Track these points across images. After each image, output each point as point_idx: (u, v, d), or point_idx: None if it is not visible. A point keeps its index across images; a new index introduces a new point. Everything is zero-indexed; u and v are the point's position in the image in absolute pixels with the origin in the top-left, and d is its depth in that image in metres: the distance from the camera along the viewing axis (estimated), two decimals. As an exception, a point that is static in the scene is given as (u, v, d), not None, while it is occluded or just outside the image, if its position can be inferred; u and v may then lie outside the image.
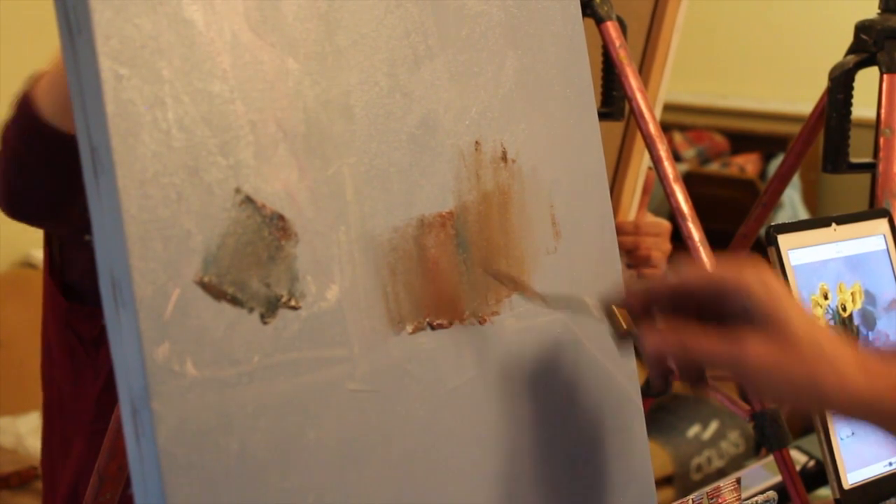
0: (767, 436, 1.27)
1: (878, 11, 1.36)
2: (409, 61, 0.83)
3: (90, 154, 0.70)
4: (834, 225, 1.19)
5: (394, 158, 0.82)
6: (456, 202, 0.85)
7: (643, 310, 0.82)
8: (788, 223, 1.16)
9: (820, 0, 3.72)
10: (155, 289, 0.70)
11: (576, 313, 0.87)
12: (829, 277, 1.17)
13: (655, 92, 1.67)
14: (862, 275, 1.20)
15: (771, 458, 1.34)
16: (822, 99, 1.41)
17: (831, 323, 1.17)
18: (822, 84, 1.38)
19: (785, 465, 1.26)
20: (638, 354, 0.87)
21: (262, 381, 0.74)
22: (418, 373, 0.81)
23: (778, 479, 1.45)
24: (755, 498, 1.02)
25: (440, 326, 0.83)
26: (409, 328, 0.81)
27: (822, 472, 1.49)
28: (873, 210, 1.27)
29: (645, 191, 1.71)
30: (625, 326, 0.82)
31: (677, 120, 3.76)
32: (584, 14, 1.31)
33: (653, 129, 1.36)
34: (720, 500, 0.97)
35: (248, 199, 0.75)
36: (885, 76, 1.34)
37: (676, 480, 3.00)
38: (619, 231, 1.56)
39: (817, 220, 1.20)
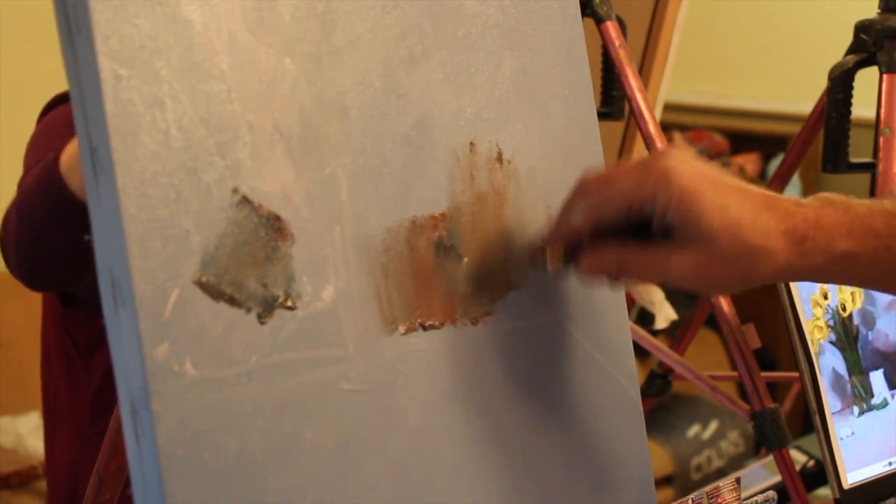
0: (767, 435, 1.27)
1: (878, 11, 1.36)
2: (405, 62, 0.83)
3: (90, 154, 0.70)
4: (833, 225, 1.19)
5: (388, 159, 0.82)
6: (449, 203, 0.85)
7: (573, 245, 0.85)
8: (788, 223, 1.16)
9: (820, 0, 3.71)
10: (154, 288, 0.70)
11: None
12: (828, 277, 1.17)
13: (655, 92, 1.67)
14: (861, 274, 1.20)
15: (771, 457, 1.35)
16: (821, 99, 1.41)
17: (830, 323, 1.17)
18: (821, 84, 1.38)
19: (785, 464, 1.26)
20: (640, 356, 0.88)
21: (259, 381, 0.74)
22: (412, 373, 0.81)
23: (778, 478, 1.45)
24: (755, 498, 1.02)
25: (432, 327, 0.83)
26: (402, 329, 0.81)
27: (821, 471, 1.49)
28: (873, 210, 1.27)
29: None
30: (552, 266, 0.87)
31: (677, 120, 3.76)
32: (584, 14, 1.31)
33: (653, 128, 1.36)
34: (720, 500, 0.97)
35: (246, 200, 0.75)
36: (884, 76, 1.34)
37: (676, 480, 3.00)
38: (619, 231, 1.56)
39: (817, 220, 1.19)
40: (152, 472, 0.69)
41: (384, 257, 0.81)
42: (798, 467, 1.49)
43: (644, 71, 1.67)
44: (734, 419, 3.11)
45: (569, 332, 0.90)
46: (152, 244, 0.70)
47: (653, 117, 1.37)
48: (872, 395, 1.17)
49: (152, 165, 0.71)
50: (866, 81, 1.39)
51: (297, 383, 0.76)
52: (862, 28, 1.36)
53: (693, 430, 3.11)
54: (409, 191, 0.83)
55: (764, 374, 1.30)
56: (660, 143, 1.35)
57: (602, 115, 1.41)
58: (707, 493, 0.97)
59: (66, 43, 0.71)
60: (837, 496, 1.12)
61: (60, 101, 1.36)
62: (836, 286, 1.18)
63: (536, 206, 0.90)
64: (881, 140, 1.34)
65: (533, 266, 0.88)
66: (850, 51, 1.37)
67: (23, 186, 1.22)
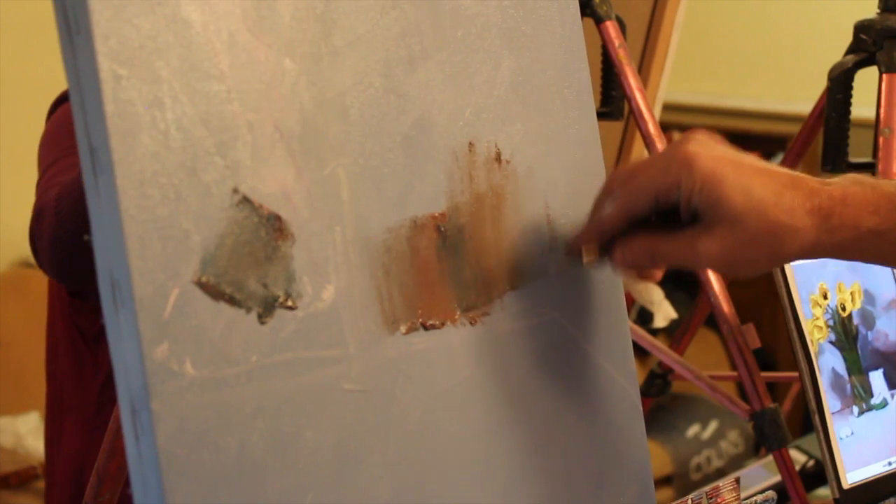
0: (767, 435, 1.27)
1: (878, 11, 1.36)
2: (404, 62, 0.83)
3: (89, 154, 0.70)
4: (833, 224, 1.19)
5: (388, 159, 0.82)
6: (448, 203, 0.85)
7: (606, 239, 0.86)
8: (787, 223, 1.16)
9: (819, 0, 3.71)
10: (154, 288, 0.70)
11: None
12: (828, 277, 1.17)
13: (655, 92, 1.67)
14: (861, 274, 1.20)
15: (770, 457, 1.35)
16: (821, 99, 1.41)
17: (830, 323, 1.17)
18: (821, 84, 1.38)
19: (784, 464, 1.27)
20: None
21: (259, 381, 0.74)
22: (412, 373, 0.81)
23: (777, 478, 1.45)
24: (754, 498, 1.02)
25: (433, 327, 0.83)
26: (403, 328, 0.81)
27: (821, 471, 1.49)
28: (872, 210, 1.27)
29: (644, 190, 1.71)
30: (587, 259, 0.88)
31: (676, 119, 3.75)
32: (583, 14, 1.32)
33: (652, 128, 1.36)
34: (719, 500, 0.98)
35: (246, 200, 0.75)
36: (884, 76, 1.35)
37: (676, 480, 3.00)
38: (619, 231, 1.56)
39: (816, 220, 1.19)
40: (152, 471, 0.69)
41: (386, 257, 0.81)
42: (798, 467, 1.49)
43: (643, 71, 1.67)
44: (734, 419, 3.10)
45: (568, 332, 0.90)
46: (152, 244, 0.70)
47: (652, 117, 1.37)
48: (872, 395, 1.17)
49: (152, 165, 0.71)
50: (866, 81, 1.39)
51: (298, 383, 0.76)
52: (861, 28, 1.36)
53: (693, 430, 3.11)
54: (410, 190, 0.83)
55: (763, 374, 1.31)
56: (659, 142, 1.35)
57: (601, 115, 1.41)
58: (707, 493, 0.97)
59: (66, 43, 0.71)
60: (837, 496, 1.12)
61: (68, 97, 1.35)
62: (836, 286, 1.18)
63: (535, 206, 0.90)
64: (881, 140, 1.34)
65: (569, 260, 0.90)
66: (849, 51, 1.37)
67: (60, 182, 1.21)
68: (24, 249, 3.00)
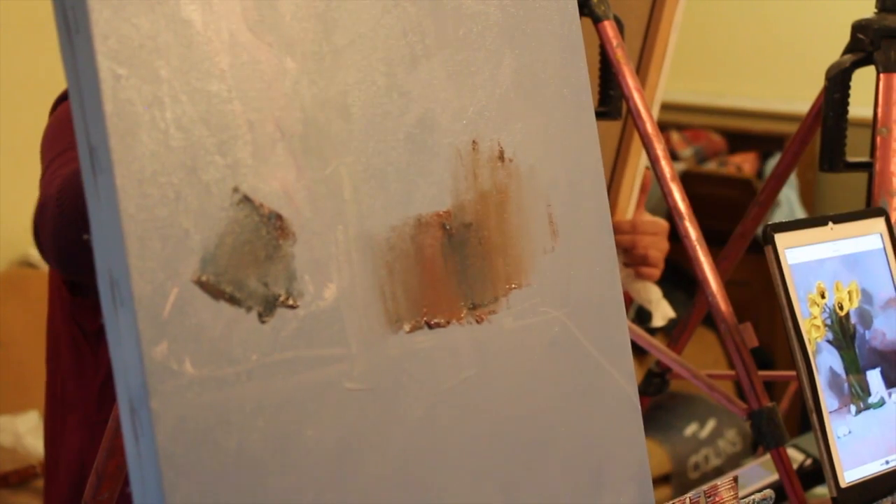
0: (764, 434, 1.27)
1: (875, 11, 1.36)
2: (406, 61, 0.83)
3: (89, 153, 0.70)
4: (831, 224, 1.19)
5: (391, 158, 0.82)
6: (453, 201, 0.85)
7: None
8: (785, 222, 1.16)
9: (817, 0, 3.72)
10: (153, 288, 0.70)
11: None
12: (826, 276, 1.17)
13: (653, 91, 1.67)
14: (859, 273, 1.20)
15: (768, 456, 1.34)
16: (819, 98, 1.41)
17: (827, 322, 1.17)
18: (819, 83, 1.38)
19: (782, 463, 1.26)
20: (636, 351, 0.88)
21: (260, 379, 0.74)
22: (415, 371, 0.81)
23: (775, 477, 1.45)
24: (752, 496, 1.02)
25: (437, 326, 0.83)
26: (407, 327, 0.81)
27: (818, 470, 1.49)
28: (870, 209, 1.27)
29: (642, 190, 1.71)
30: None
31: (674, 119, 3.76)
32: (582, 13, 1.31)
33: (650, 128, 1.36)
34: (717, 499, 0.97)
35: (246, 199, 0.75)
36: (881, 75, 1.35)
37: (674, 479, 3.00)
38: (617, 230, 1.56)
39: (814, 219, 1.20)
40: (151, 470, 0.69)
41: (389, 255, 0.81)
42: (795, 466, 1.49)
43: (641, 70, 1.66)
44: (732, 418, 3.11)
45: (569, 331, 0.90)
46: (151, 243, 0.70)
47: (650, 116, 1.36)
48: (869, 394, 1.17)
49: (151, 165, 0.71)
50: (863, 81, 1.39)
51: (299, 382, 0.75)
52: (859, 28, 1.36)
53: (691, 429, 3.11)
54: (413, 189, 0.83)
55: (761, 372, 1.30)
56: (657, 142, 1.35)
57: (600, 115, 1.41)
58: (705, 491, 0.97)
59: (65, 43, 0.70)
60: (834, 495, 1.12)
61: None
62: (834, 285, 1.18)
63: (537, 204, 0.90)
64: (878, 139, 1.34)
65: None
66: (847, 50, 1.37)
67: (62, 174, 1.21)
68: (24, 249, 3.00)
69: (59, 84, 0.93)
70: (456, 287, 0.84)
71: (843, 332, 1.17)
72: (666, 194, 1.33)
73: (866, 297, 1.20)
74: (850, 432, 1.14)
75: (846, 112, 1.36)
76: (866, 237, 1.22)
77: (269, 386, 0.74)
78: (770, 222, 1.14)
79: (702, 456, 3.08)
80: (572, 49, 0.94)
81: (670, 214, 1.34)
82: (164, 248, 0.71)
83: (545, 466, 0.88)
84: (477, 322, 0.85)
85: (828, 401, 1.14)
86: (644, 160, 1.69)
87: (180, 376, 0.70)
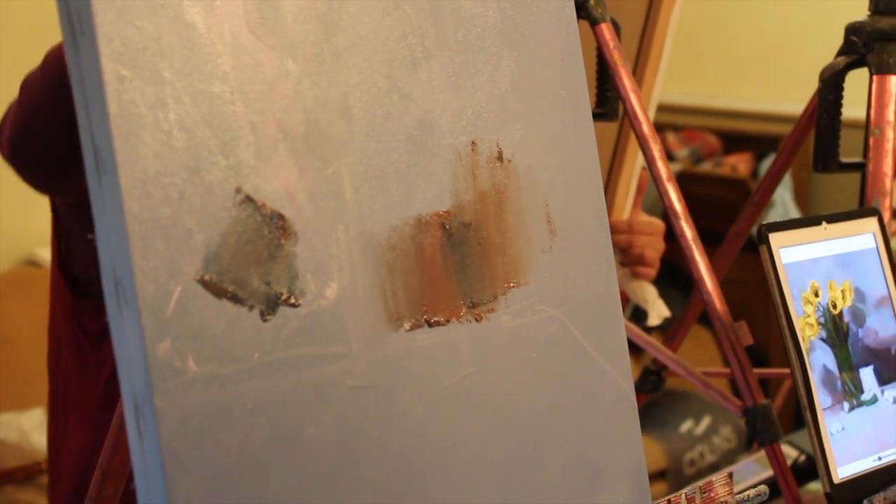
0: (759, 431, 1.27)
1: (868, 14, 1.36)
2: (406, 63, 0.83)
3: (93, 154, 0.70)
4: (824, 223, 1.19)
5: (391, 158, 0.82)
6: (453, 201, 0.85)
7: None
8: (780, 222, 1.16)
9: (810, 2, 3.72)
10: (157, 287, 0.70)
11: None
12: (819, 275, 1.17)
13: (649, 93, 1.67)
14: (852, 272, 1.20)
15: (762, 452, 1.34)
16: (812, 100, 1.41)
17: (821, 321, 1.17)
18: (812, 85, 1.38)
19: (776, 459, 1.26)
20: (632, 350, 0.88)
21: (262, 377, 0.74)
22: (415, 369, 0.81)
23: (769, 473, 1.45)
24: (747, 492, 1.02)
25: (437, 324, 0.83)
26: (407, 325, 0.81)
27: (812, 466, 1.49)
28: (863, 209, 1.27)
29: (639, 190, 1.71)
30: None
31: (670, 120, 3.76)
32: (579, 16, 1.31)
33: (646, 129, 1.36)
34: (713, 495, 0.98)
35: (249, 199, 0.75)
36: (874, 77, 1.35)
37: (669, 475, 3.00)
38: (614, 230, 1.56)
39: (808, 219, 1.20)
40: (155, 467, 0.69)
41: (390, 255, 0.81)
42: (789, 462, 1.49)
43: (638, 72, 1.66)
44: (726, 415, 3.11)
45: (566, 329, 0.90)
46: (155, 243, 0.70)
47: (646, 118, 1.36)
48: (862, 392, 1.17)
49: (155, 165, 0.71)
50: (856, 83, 1.39)
51: (300, 379, 0.75)
52: (852, 30, 1.36)
53: (686, 426, 3.11)
54: (413, 189, 0.83)
55: (756, 370, 1.30)
56: (653, 143, 1.35)
57: (597, 116, 1.41)
58: (700, 487, 0.97)
59: (70, 45, 0.70)
60: (828, 490, 1.12)
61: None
62: (827, 284, 1.18)
63: (535, 204, 0.90)
64: (871, 140, 1.34)
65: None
66: (840, 52, 1.37)
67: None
68: (29, 249, 3.00)
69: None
70: (455, 286, 0.84)
71: (837, 331, 1.18)
72: (662, 194, 1.33)
73: (859, 295, 1.20)
74: (843, 429, 1.14)
75: (839, 113, 1.36)
76: (859, 237, 1.22)
77: (271, 383, 0.74)
78: (765, 222, 1.14)
79: (697, 452, 3.09)
80: (570, 51, 0.94)
81: (666, 214, 1.34)
82: (168, 248, 0.71)
83: (543, 462, 0.88)
84: (476, 320, 0.85)
85: (821, 398, 1.14)
86: (640, 161, 1.69)
87: (183, 374, 0.70)
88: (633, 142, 1.67)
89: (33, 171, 1.29)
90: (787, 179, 3.52)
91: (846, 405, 1.16)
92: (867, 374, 1.19)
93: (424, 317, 0.82)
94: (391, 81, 0.82)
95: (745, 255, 1.58)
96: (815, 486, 1.52)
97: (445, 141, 0.85)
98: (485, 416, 0.85)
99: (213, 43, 0.74)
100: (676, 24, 1.68)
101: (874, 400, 1.18)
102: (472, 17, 0.87)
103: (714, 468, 2.99)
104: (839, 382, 1.16)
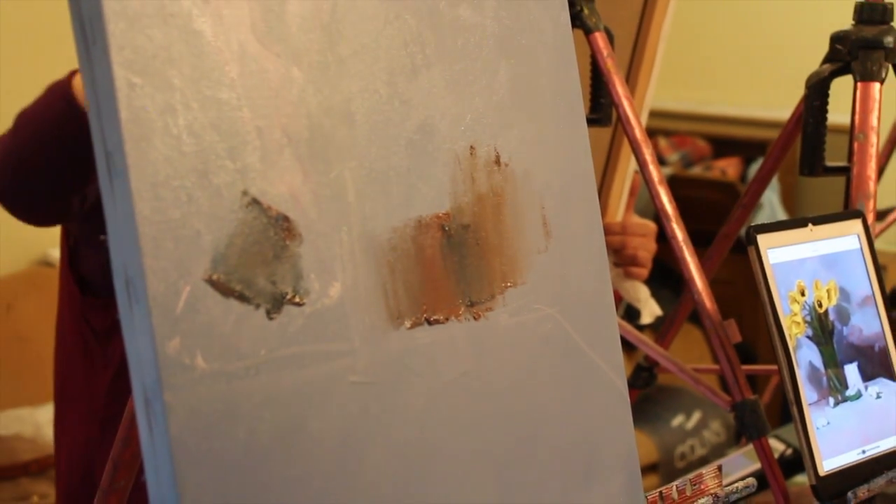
0: (747, 425, 1.27)
1: (853, 23, 1.36)
2: (407, 70, 0.83)
3: (105, 158, 0.70)
4: (810, 225, 1.19)
5: (393, 162, 0.82)
6: (452, 204, 0.85)
7: None
8: (767, 224, 1.16)
9: (797, 12, 3.72)
10: (167, 286, 0.70)
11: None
12: (805, 275, 1.17)
13: (642, 99, 1.67)
14: (837, 273, 1.20)
15: (751, 446, 1.35)
16: (799, 106, 1.41)
17: (807, 319, 1.17)
18: (799, 92, 1.39)
19: (764, 453, 1.27)
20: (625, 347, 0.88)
21: (268, 373, 0.74)
22: (416, 366, 0.81)
23: (757, 466, 1.46)
24: (736, 484, 1.02)
25: (437, 322, 0.83)
26: (408, 323, 0.81)
27: (798, 459, 1.49)
28: (847, 211, 1.27)
29: (631, 193, 1.71)
30: None
31: (662, 125, 3.76)
32: (574, 25, 1.31)
33: (639, 134, 1.36)
34: (702, 487, 0.98)
35: (255, 201, 0.75)
36: (858, 84, 1.35)
37: (661, 468, 3.00)
38: (607, 231, 1.56)
39: (795, 221, 1.20)
40: (165, 459, 0.69)
41: (391, 255, 0.81)
42: (776, 455, 1.49)
43: (631, 79, 1.66)
44: (716, 410, 3.11)
45: (561, 327, 0.90)
46: (165, 244, 0.70)
47: (639, 123, 1.37)
48: (847, 387, 1.17)
49: (165, 169, 0.71)
50: (841, 89, 1.39)
51: (305, 376, 0.75)
52: (837, 39, 1.36)
53: (677, 421, 3.11)
54: (414, 192, 0.83)
55: (744, 367, 1.31)
56: (645, 148, 1.35)
57: (591, 122, 1.41)
58: (690, 479, 0.97)
59: (83, 53, 0.71)
60: (814, 482, 1.12)
61: None
62: (813, 284, 1.18)
63: (532, 206, 0.90)
64: (855, 145, 1.34)
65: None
66: (826, 60, 1.37)
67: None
68: (44, 249, 3.00)
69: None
70: (454, 285, 0.85)
71: (822, 329, 1.18)
72: (654, 197, 1.33)
73: (844, 295, 1.20)
74: (828, 423, 1.14)
75: (825, 119, 1.37)
76: (844, 238, 1.22)
77: (277, 379, 0.74)
78: (753, 224, 1.14)
79: (688, 446, 3.09)
80: (565, 59, 0.94)
81: (658, 216, 1.35)
82: (177, 249, 0.71)
83: (538, 455, 0.88)
84: (474, 319, 0.85)
85: (807, 393, 1.14)
86: (633, 165, 1.69)
87: (192, 370, 0.70)
88: (626, 146, 1.68)
89: (12, 202, 1.28)
90: (774, 182, 3.52)
91: (831, 400, 1.16)
92: (852, 371, 1.19)
93: (424, 315, 0.82)
94: (392, 88, 0.82)
95: (733, 256, 1.58)
96: (801, 479, 1.52)
97: (445, 145, 0.85)
98: (483, 410, 0.85)
99: (221, 51, 0.74)
100: (668, 33, 1.68)
101: (858, 395, 1.18)
102: (470, 27, 0.87)
103: (704, 461, 2.99)
104: (825, 378, 1.16)
